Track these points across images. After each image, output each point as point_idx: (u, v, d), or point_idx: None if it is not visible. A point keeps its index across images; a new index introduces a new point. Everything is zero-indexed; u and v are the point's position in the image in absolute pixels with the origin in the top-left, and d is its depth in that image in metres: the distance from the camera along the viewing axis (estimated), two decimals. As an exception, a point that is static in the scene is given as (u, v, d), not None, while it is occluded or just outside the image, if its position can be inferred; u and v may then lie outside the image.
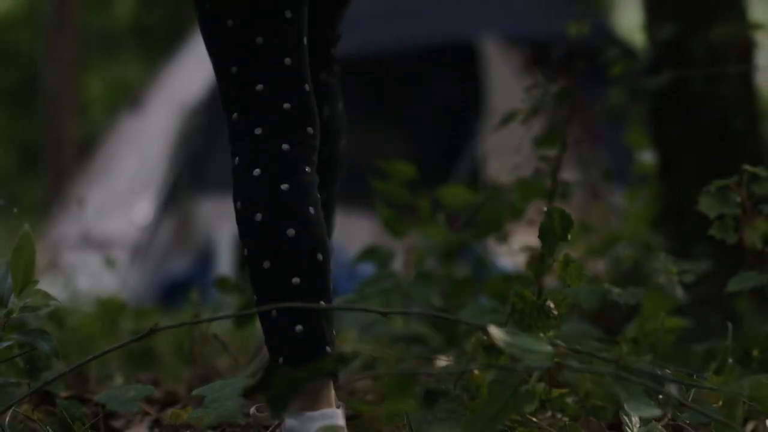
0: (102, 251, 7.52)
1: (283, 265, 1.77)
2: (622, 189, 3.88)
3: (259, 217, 1.79)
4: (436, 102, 8.71)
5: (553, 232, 1.82)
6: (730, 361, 2.23)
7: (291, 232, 1.78)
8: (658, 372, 1.94)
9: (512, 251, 2.76)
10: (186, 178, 7.65)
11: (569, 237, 1.82)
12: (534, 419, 1.84)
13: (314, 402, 1.75)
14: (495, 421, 1.52)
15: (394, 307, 2.36)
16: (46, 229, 9.57)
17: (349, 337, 3.84)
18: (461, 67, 8.62)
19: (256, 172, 1.81)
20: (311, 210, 1.80)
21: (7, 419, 1.84)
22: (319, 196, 1.84)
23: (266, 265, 1.77)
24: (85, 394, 2.13)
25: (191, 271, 7.32)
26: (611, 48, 3.35)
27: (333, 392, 1.81)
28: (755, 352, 2.30)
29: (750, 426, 1.85)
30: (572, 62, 2.49)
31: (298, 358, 1.76)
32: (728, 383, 1.93)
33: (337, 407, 1.79)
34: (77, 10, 12.20)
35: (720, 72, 3.10)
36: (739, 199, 2.34)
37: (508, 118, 2.46)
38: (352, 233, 7.95)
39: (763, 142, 3.18)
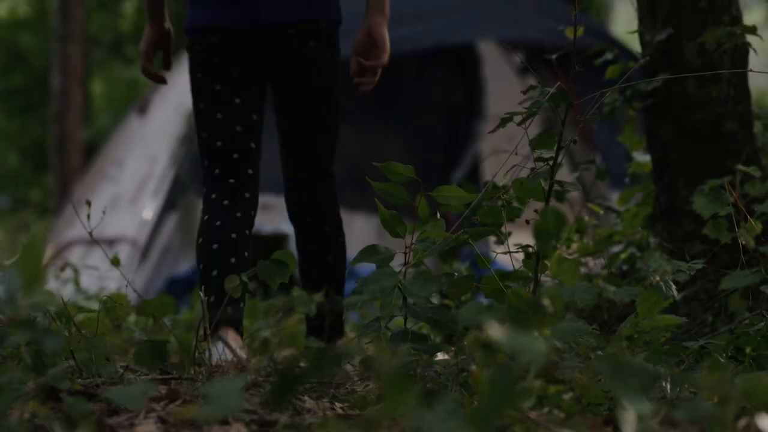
0: (107, 250, 7.55)
1: None
2: (617, 191, 3.90)
3: None
4: (436, 103, 8.73)
5: (547, 232, 1.84)
6: (724, 358, 2.26)
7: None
8: (653, 369, 1.97)
9: (510, 251, 2.79)
10: (190, 179, 7.68)
11: (563, 236, 1.85)
12: (530, 416, 1.87)
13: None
14: (492, 417, 1.54)
15: (394, 306, 2.39)
16: (54, 228, 9.60)
17: (348, 336, 3.87)
18: (462, 69, 8.64)
19: None
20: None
21: (13, 416, 1.86)
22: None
23: None
24: (90, 390, 2.15)
25: (191, 269, 7.34)
26: (608, 51, 3.38)
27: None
28: (748, 350, 2.33)
29: (743, 422, 1.86)
30: (569, 64, 2.51)
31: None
32: (722, 380, 1.95)
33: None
34: (81, 10, 12.21)
35: (713, 74, 3.12)
36: (732, 200, 2.37)
37: (505, 120, 2.49)
38: (353, 233, 7.98)
39: (756, 143, 3.20)
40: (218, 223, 2.94)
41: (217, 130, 3.02)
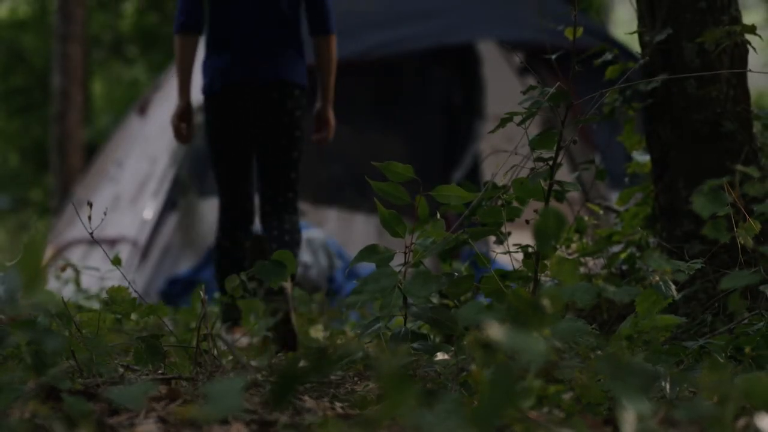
0: (108, 250, 7.54)
1: None
2: (617, 191, 3.89)
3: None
4: (436, 103, 8.73)
5: (547, 232, 1.85)
6: (724, 358, 2.26)
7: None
8: (652, 368, 1.97)
9: (509, 251, 2.79)
10: (190, 179, 7.69)
11: (563, 237, 1.86)
12: (530, 415, 1.87)
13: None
14: (492, 417, 1.55)
15: (394, 306, 2.39)
16: (54, 228, 9.61)
17: (348, 335, 3.87)
18: (461, 69, 8.64)
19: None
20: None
21: (14, 416, 1.86)
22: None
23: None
24: (91, 390, 2.15)
25: (191, 269, 7.35)
26: (607, 51, 3.38)
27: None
28: (748, 349, 2.33)
29: (743, 422, 1.87)
30: (568, 65, 2.51)
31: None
32: (722, 380, 1.95)
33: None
34: (81, 10, 12.22)
35: (712, 75, 3.13)
36: (731, 200, 2.37)
37: (505, 121, 2.49)
38: (353, 233, 7.98)
39: (755, 143, 3.20)
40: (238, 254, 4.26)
41: (233, 174, 4.32)
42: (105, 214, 3.09)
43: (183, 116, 4.43)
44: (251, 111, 4.26)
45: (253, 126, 4.28)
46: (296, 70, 4.31)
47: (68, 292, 5.26)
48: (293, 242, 4.21)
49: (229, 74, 4.27)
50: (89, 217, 2.67)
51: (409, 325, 2.50)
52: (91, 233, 2.62)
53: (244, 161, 4.31)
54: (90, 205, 2.65)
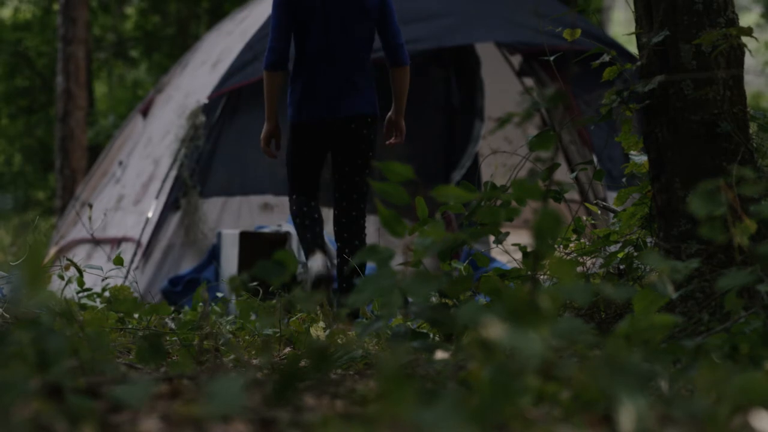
0: (112, 250, 7.56)
1: None
2: (615, 193, 3.90)
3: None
4: (436, 103, 8.74)
5: (544, 232, 1.86)
6: (720, 357, 2.28)
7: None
8: (650, 367, 1.99)
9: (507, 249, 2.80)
10: (192, 180, 7.70)
11: (559, 236, 1.87)
12: (529, 413, 1.88)
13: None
14: (492, 415, 1.56)
15: (394, 305, 2.40)
16: (59, 228, 9.63)
17: (349, 335, 3.88)
18: (461, 70, 8.65)
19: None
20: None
21: (16, 414, 1.87)
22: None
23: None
24: (94, 388, 2.16)
25: (193, 268, 7.37)
26: (605, 53, 3.40)
27: None
28: (745, 348, 2.35)
29: (740, 420, 1.87)
30: (566, 66, 2.53)
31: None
32: (718, 378, 1.97)
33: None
34: (85, 12, 12.23)
35: (709, 76, 3.14)
36: (728, 200, 2.39)
37: (504, 122, 2.50)
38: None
39: (751, 144, 3.21)
40: (307, 222, 5.10)
41: (305, 177, 5.23)
42: (105, 215, 3.10)
43: (270, 137, 5.20)
44: (331, 140, 5.15)
45: (330, 149, 5.20)
46: (371, 101, 5.17)
47: (71, 291, 5.28)
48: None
49: (313, 109, 5.11)
50: (89, 218, 2.69)
51: (408, 323, 2.51)
52: (92, 234, 2.64)
53: (315, 171, 5.23)
54: (90, 206, 2.67)
